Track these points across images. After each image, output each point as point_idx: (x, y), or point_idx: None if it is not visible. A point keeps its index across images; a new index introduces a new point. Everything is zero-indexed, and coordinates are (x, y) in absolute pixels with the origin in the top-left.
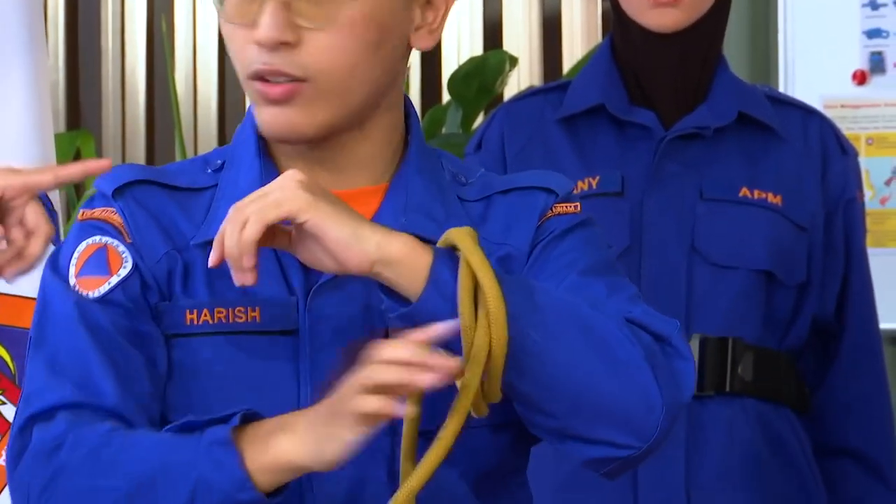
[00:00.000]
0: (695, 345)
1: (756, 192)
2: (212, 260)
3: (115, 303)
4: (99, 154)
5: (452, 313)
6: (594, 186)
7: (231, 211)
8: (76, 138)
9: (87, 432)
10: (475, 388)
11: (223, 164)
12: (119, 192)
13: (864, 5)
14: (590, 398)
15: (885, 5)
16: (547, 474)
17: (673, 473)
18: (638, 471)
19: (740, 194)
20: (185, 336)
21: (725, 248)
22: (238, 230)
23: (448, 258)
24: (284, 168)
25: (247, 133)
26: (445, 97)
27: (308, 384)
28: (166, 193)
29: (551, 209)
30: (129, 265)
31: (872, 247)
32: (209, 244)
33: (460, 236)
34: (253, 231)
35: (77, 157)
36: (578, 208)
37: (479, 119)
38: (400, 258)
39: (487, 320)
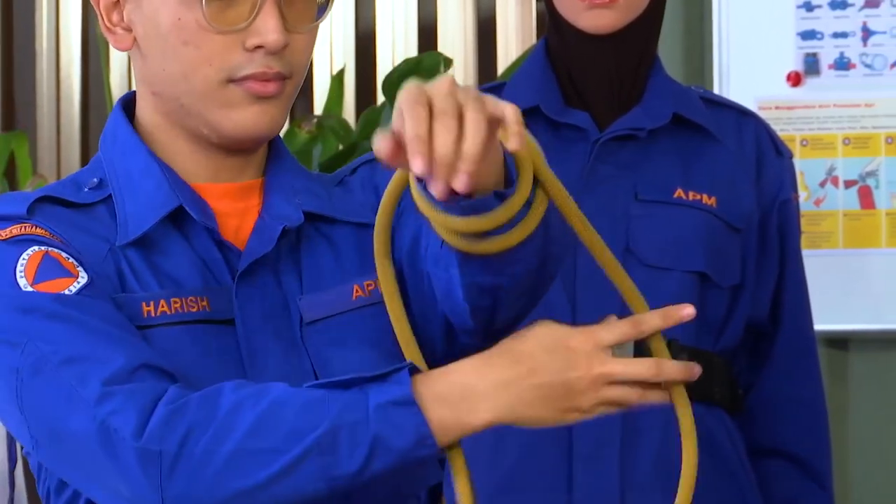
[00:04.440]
0: (630, 346)
1: (691, 194)
2: (419, 167)
3: (91, 297)
4: (34, 155)
5: None
6: None
7: (418, 100)
8: (11, 140)
9: (209, 392)
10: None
11: (100, 181)
12: (31, 210)
13: (798, 7)
14: None
15: (819, 7)
16: (481, 477)
17: (607, 474)
18: (573, 472)
19: (675, 196)
20: (143, 328)
21: (660, 250)
22: (455, 126)
23: None
24: (181, 169)
25: (126, 143)
26: (380, 98)
27: (244, 371)
28: (66, 209)
29: None
30: (84, 274)
31: (807, 248)
32: (137, 243)
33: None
34: (483, 128)
35: (11, 158)
36: None
37: None
38: None
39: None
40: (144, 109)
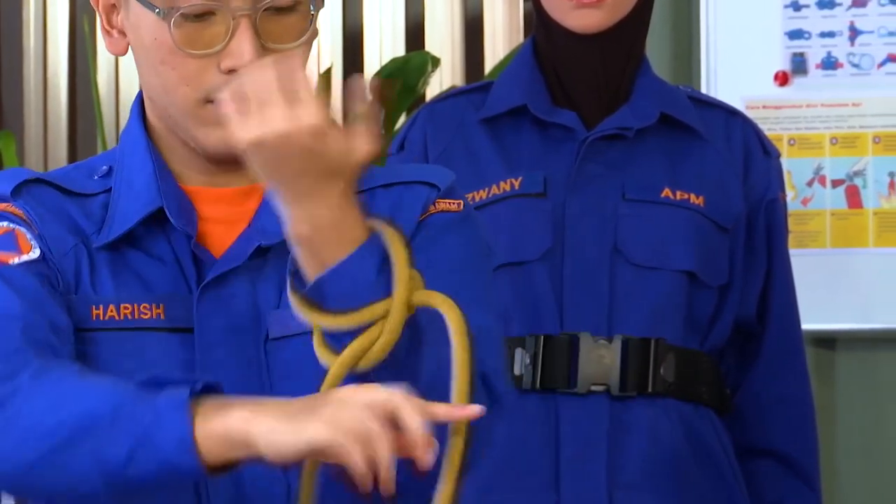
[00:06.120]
0: (617, 345)
1: (678, 193)
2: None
3: (29, 273)
4: (21, 154)
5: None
6: (517, 187)
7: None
8: None
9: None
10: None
11: (110, 169)
12: (17, 191)
13: (786, 6)
14: None
15: (807, 6)
16: (468, 477)
17: (595, 474)
18: (561, 471)
19: (662, 195)
20: (89, 331)
21: (648, 249)
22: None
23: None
24: (177, 170)
25: (134, 136)
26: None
27: None
28: (61, 195)
29: (434, 204)
30: (37, 252)
31: (794, 248)
32: (114, 244)
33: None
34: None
35: None
36: (461, 206)
37: (402, 120)
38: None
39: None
40: (147, 110)
